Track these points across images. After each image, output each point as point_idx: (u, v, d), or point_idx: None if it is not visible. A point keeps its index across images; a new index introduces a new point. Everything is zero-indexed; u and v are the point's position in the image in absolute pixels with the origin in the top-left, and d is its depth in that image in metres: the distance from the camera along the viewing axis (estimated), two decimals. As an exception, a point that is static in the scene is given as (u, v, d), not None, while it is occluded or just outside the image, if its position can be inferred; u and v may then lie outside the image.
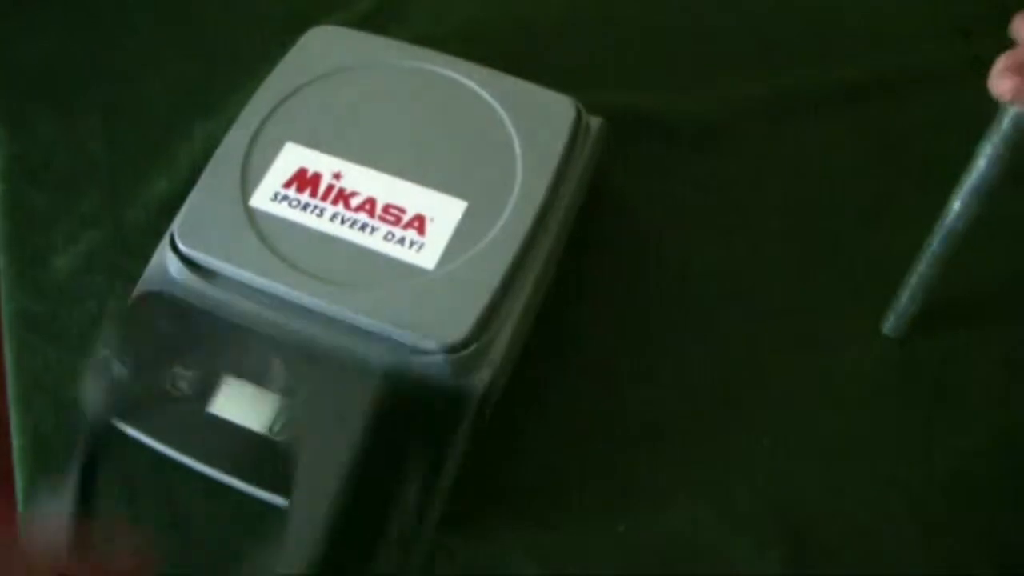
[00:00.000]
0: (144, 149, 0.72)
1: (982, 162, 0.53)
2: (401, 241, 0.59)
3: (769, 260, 0.68)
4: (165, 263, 0.61)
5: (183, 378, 0.59)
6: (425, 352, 0.57)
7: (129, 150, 0.72)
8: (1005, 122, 0.51)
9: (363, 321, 0.57)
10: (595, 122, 0.65)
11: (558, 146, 0.62)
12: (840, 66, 0.74)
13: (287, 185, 0.61)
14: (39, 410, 0.63)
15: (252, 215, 0.60)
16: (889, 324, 0.64)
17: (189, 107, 0.73)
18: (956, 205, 0.56)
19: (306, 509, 0.54)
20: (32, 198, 0.70)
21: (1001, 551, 0.59)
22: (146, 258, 0.62)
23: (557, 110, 0.64)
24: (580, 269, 0.66)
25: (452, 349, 0.57)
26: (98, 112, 0.74)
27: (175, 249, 0.60)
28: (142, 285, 0.61)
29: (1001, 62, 0.46)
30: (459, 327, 0.57)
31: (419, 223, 0.60)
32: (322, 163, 0.61)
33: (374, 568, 0.54)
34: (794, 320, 0.66)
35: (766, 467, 0.62)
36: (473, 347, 0.57)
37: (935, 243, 0.58)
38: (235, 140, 0.63)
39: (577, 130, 0.63)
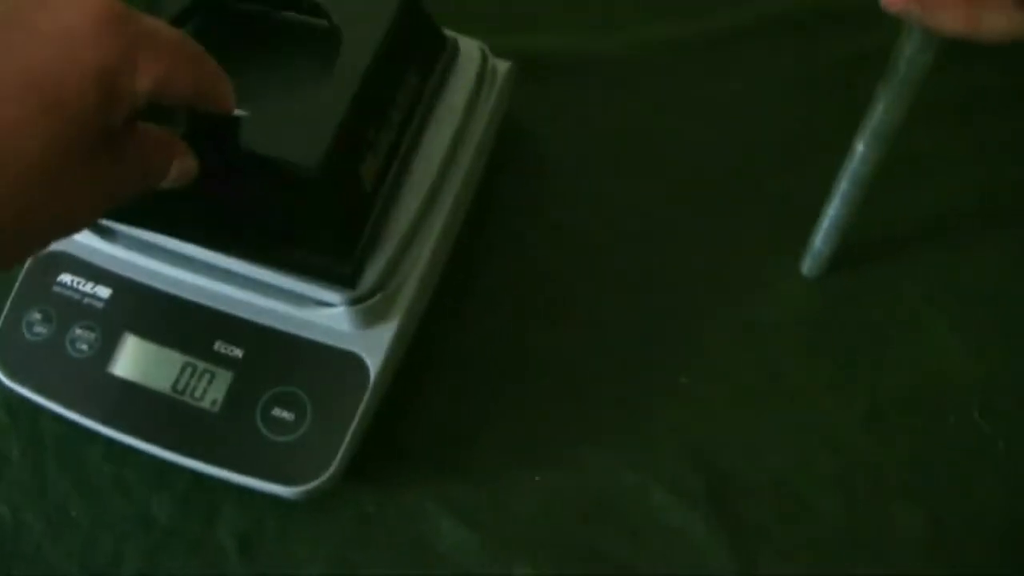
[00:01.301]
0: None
1: (880, 105, 0.52)
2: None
3: (683, 201, 0.67)
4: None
5: (84, 340, 0.58)
6: (328, 304, 0.56)
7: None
8: (900, 62, 0.49)
9: (262, 274, 0.56)
10: (502, 65, 0.64)
11: (464, 90, 0.61)
12: (755, 4, 0.73)
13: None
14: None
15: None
16: (806, 265, 0.63)
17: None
18: (860, 148, 0.54)
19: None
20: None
21: (923, 488, 0.59)
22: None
23: (463, 54, 0.62)
24: (488, 217, 0.65)
25: (357, 300, 0.56)
26: None
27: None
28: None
29: None
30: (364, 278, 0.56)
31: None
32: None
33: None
34: (710, 262, 0.65)
35: (683, 411, 0.61)
36: (379, 296, 0.56)
37: (843, 185, 0.57)
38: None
39: (483, 73, 0.62)
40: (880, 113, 0.52)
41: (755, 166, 0.67)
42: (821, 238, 0.61)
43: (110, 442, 0.58)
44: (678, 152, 0.68)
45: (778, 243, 0.65)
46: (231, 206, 0.55)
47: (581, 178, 0.68)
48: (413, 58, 0.58)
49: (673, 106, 0.70)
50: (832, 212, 0.59)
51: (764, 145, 0.68)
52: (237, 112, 0.54)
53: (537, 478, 0.59)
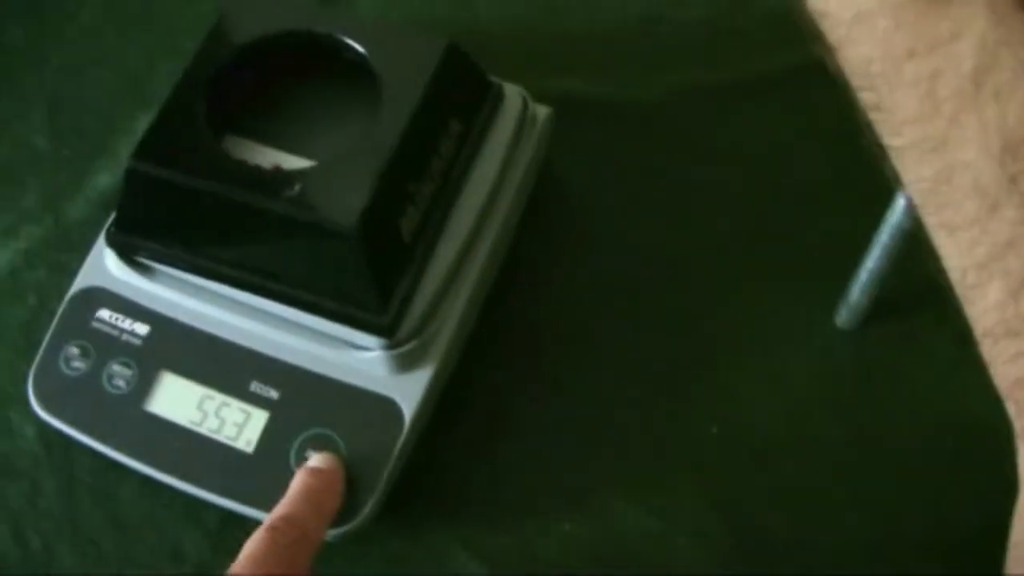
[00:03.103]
0: (87, 142, 0.71)
1: None
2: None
3: (716, 250, 0.67)
4: (102, 258, 0.60)
5: (120, 376, 0.58)
6: (364, 348, 0.56)
7: (72, 142, 0.71)
8: None
9: (300, 317, 0.57)
10: (542, 111, 0.64)
11: (504, 136, 0.61)
12: (789, 52, 0.73)
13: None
14: (-24, 409, 0.62)
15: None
16: (842, 317, 0.63)
17: (131, 100, 0.72)
18: (901, 202, 0.55)
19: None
20: (-31, 191, 0.69)
21: (950, 545, 0.59)
22: (88, 252, 0.61)
23: (505, 100, 0.63)
24: (522, 260, 0.66)
25: (393, 345, 0.56)
26: (42, 105, 0.72)
27: (112, 243, 0.59)
28: (80, 280, 0.61)
29: None
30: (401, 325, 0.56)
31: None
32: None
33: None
34: (742, 311, 0.65)
35: (712, 461, 0.61)
36: (415, 342, 0.56)
37: (884, 237, 0.57)
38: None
39: (524, 119, 0.62)
40: None
41: (789, 215, 0.67)
42: (859, 289, 0.61)
43: (144, 478, 0.58)
44: (711, 199, 0.68)
45: (811, 293, 0.65)
46: (269, 256, 0.56)
47: (611, 223, 0.68)
48: (457, 105, 0.59)
49: (705, 153, 0.70)
50: (871, 264, 0.59)
51: (798, 194, 0.68)
52: (277, 165, 0.55)
53: (567, 527, 0.59)
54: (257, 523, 0.56)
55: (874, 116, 0.43)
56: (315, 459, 0.55)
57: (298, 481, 0.54)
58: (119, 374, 0.58)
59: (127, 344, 0.59)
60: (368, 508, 0.55)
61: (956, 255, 0.41)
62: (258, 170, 0.55)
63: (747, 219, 0.68)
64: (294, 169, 0.55)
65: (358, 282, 0.54)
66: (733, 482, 0.61)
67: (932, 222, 0.42)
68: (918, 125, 0.40)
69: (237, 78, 0.59)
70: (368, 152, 0.54)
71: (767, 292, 0.65)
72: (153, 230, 0.58)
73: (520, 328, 0.65)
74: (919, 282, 0.63)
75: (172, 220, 0.57)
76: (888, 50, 0.41)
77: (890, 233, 0.56)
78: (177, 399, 0.58)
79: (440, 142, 0.58)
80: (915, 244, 0.56)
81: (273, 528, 0.50)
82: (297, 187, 0.53)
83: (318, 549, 0.51)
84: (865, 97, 0.43)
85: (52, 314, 0.61)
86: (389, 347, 0.56)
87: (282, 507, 0.52)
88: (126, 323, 0.59)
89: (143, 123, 0.69)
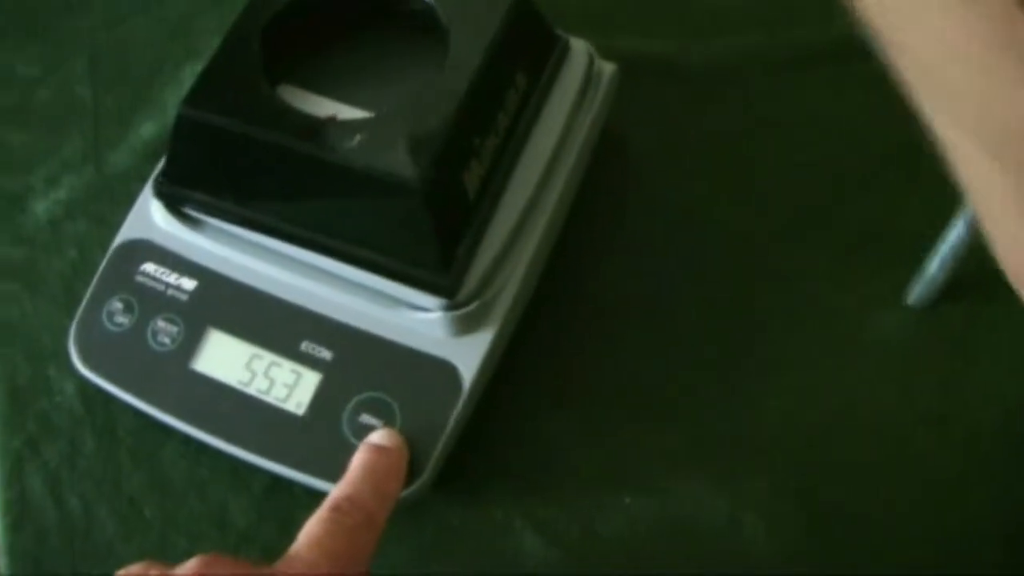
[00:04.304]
0: (131, 91, 0.68)
1: None
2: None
3: (781, 220, 0.64)
4: (148, 209, 0.58)
5: (166, 333, 0.56)
6: (422, 309, 0.54)
7: (115, 91, 0.68)
8: None
9: (356, 275, 0.54)
10: (607, 68, 0.61)
11: (570, 92, 0.59)
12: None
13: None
14: (16, 361, 0.60)
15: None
16: (915, 293, 0.61)
17: (178, 49, 0.69)
18: None
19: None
20: (10, 138, 0.67)
21: (1019, 524, 0.57)
22: (131, 204, 0.59)
23: (571, 54, 0.60)
24: (585, 223, 0.63)
25: (454, 306, 0.54)
26: (83, 53, 0.70)
27: (160, 194, 0.57)
28: (124, 232, 0.58)
29: None
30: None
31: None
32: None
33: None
34: (804, 282, 0.62)
35: (779, 438, 0.58)
36: (476, 304, 0.54)
37: (970, 210, 0.54)
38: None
39: (589, 76, 0.60)
40: None
41: (858, 188, 0.65)
42: (938, 264, 0.58)
43: (186, 439, 0.56)
44: (777, 169, 0.66)
45: (880, 269, 0.62)
46: (329, 210, 0.53)
47: (670, 188, 0.65)
48: (523, 59, 0.56)
49: (772, 121, 0.67)
50: (954, 238, 0.56)
51: (869, 167, 0.65)
52: (336, 115, 0.53)
53: (628, 500, 0.57)
54: (305, 490, 0.54)
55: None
56: (378, 435, 0.53)
57: (360, 459, 0.51)
58: (164, 330, 0.56)
59: (173, 299, 0.56)
60: (424, 477, 0.53)
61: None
62: (316, 119, 0.52)
63: (814, 192, 0.65)
64: (353, 119, 0.53)
65: (421, 239, 0.52)
66: (798, 459, 0.58)
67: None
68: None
69: (293, 25, 0.56)
70: (433, 103, 0.52)
71: (834, 266, 0.63)
72: (203, 181, 0.55)
73: (576, 294, 0.62)
74: (992, 260, 0.61)
75: (223, 171, 0.55)
76: None
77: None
78: (224, 358, 0.55)
79: (506, 95, 0.55)
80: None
81: (337, 508, 0.47)
82: (358, 137, 0.51)
83: (381, 535, 0.48)
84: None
85: (93, 267, 0.59)
86: (449, 308, 0.53)
87: (345, 486, 0.49)
88: (172, 277, 0.57)
89: (189, 72, 0.67)
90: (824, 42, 0.69)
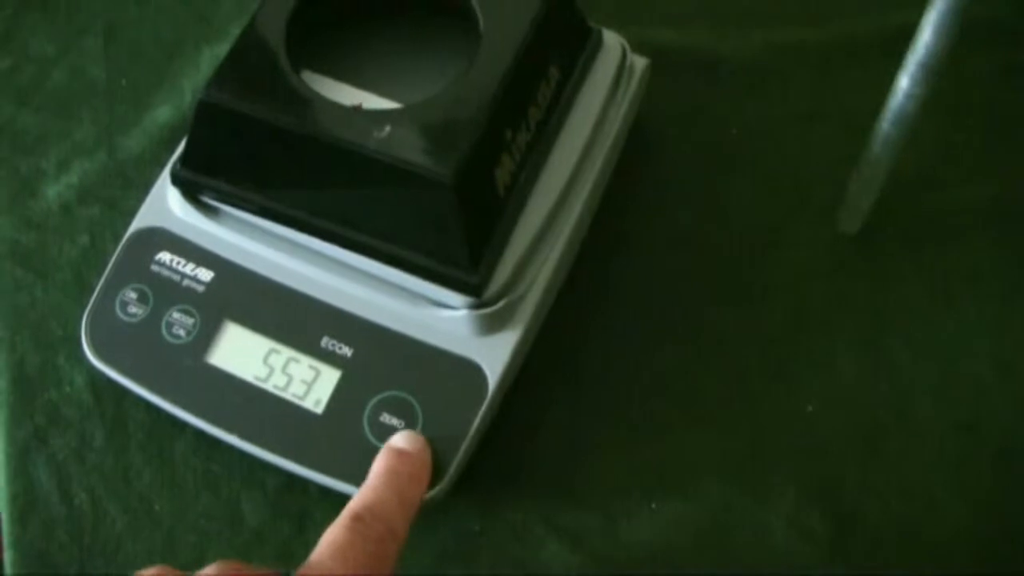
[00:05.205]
0: (146, 73, 0.66)
1: (926, 33, 0.48)
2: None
3: (816, 217, 0.62)
4: (165, 197, 0.56)
5: (181, 325, 0.54)
6: (447, 306, 0.52)
7: (130, 73, 0.66)
8: None
9: (379, 270, 0.52)
10: (640, 62, 0.60)
11: (602, 86, 0.57)
12: (893, 12, 0.68)
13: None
14: (24, 349, 0.58)
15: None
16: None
17: (196, 31, 0.67)
18: (904, 82, 0.51)
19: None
20: (22, 119, 0.65)
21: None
22: (145, 190, 0.57)
23: (604, 47, 0.58)
24: (616, 219, 0.61)
25: (480, 305, 0.52)
26: (98, 32, 0.68)
27: (177, 181, 0.55)
28: (139, 220, 0.56)
29: None
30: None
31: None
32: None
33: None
34: (844, 284, 0.61)
35: (808, 440, 0.57)
36: (503, 302, 0.52)
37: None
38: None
39: (622, 70, 0.58)
40: (926, 42, 0.49)
41: (895, 185, 0.63)
42: None
43: (199, 435, 0.55)
44: (810, 164, 0.64)
45: (920, 271, 0.61)
46: (353, 202, 0.51)
47: (702, 184, 0.64)
48: (556, 52, 0.55)
49: (805, 115, 0.65)
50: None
51: (904, 162, 0.63)
52: (361, 104, 0.51)
53: (653, 505, 0.55)
54: (321, 489, 0.53)
55: None
56: (401, 438, 0.51)
57: (383, 464, 0.49)
58: (179, 322, 0.54)
59: (189, 290, 0.55)
60: (445, 481, 0.51)
61: None
62: (344, 108, 0.50)
63: (843, 185, 0.63)
64: (382, 110, 0.51)
65: (449, 236, 0.50)
66: (830, 463, 0.57)
67: None
68: None
69: (319, 10, 0.54)
70: (465, 95, 0.50)
71: (872, 266, 0.61)
72: (223, 169, 0.53)
73: (604, 293, 0.60)
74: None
75: (245, 159, 0.53)
76: None
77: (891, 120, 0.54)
78: (241, 352, 0.54)
79: (539, 89, 0.53)
80: None
81: (358, 519, 0.45)
82: (387, 128, 0.49)
83: (403, 546, 0.47)
84: None
85: (105, 254, 0.57)
86: (476, 306, 0.52)
87: (366, 493, 0.47)
88: (188, 268, 0.55)
89: (207, 54, 0.66)
90: (864, 34, 0.68)
